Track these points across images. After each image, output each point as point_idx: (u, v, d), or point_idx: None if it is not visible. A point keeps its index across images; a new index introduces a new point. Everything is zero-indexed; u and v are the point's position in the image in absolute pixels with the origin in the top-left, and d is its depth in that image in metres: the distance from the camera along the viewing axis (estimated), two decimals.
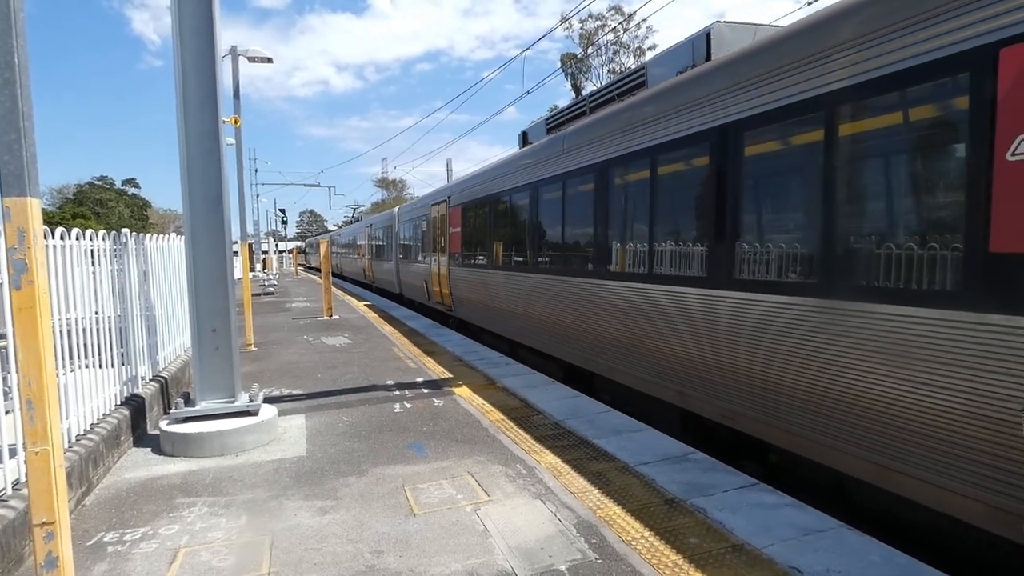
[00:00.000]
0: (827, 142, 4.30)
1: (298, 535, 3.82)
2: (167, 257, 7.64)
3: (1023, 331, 3.08)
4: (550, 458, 5.07)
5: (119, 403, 5.60)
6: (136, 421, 5.71)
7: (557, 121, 10.12)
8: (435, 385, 7.86)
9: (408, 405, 6.90)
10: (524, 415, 6.38)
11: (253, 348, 10.97)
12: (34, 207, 2.65)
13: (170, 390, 7.06)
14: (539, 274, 9.30)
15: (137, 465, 5.15)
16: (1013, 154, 3.12)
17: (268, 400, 6.45)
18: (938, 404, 3.52)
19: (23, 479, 3.75)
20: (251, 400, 5.78)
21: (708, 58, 6.46)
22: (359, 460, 5.17)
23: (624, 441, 5.42)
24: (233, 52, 11.49)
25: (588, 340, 7.84)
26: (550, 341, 9.07)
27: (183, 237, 6.13)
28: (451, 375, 8.43)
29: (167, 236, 7.75)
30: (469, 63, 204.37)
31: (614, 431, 5.72)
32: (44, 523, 2.66)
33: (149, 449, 5.52)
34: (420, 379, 8.24)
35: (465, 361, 9.43)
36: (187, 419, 5.56)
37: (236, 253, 9.82)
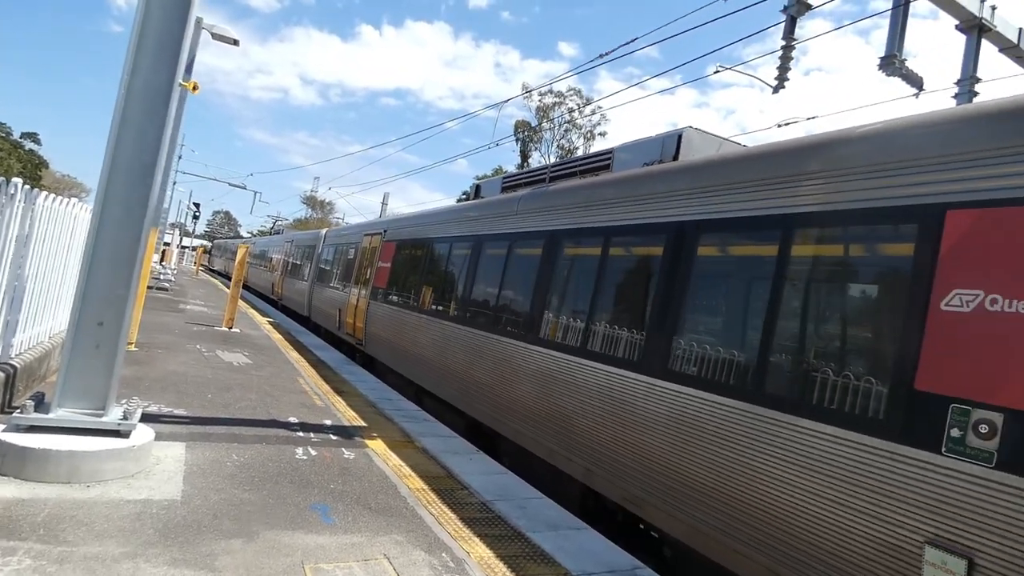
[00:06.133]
0: (779, 260, 4.50)
1: None
2: (58, 222, 6.40)
3: (934, 467, 3.24)
4: (481, 550, 4.32)
5: None
6: None
7: (514, 182, 10.12)
8: (345, 432, 6.90)
9: (313, 452, 5.92)
10: (448, 487, 5.59)
11: (134, 348, 9.46)
12: None
13: (17, 383, 5.71)
14: (465, 326, 8.95)
15: None
16: (947, 305, 3.40)
17: (144, 418, 5.29)
18: (846, 523, 3.60)
19: None
20: (125, 417, 4.65)
21: (676, 157, 6.66)
22: (249, 517, 4.19)
23: (562, 540, 4.76)
24: (198, 23, 10.46)
25: (502, 401, 7.54)
26: (461, 395, 8.67)
27: (88, 206, 5.06)
28: (364, 423, 7.49)
29: (65, 200, 6.53)
30: (434, 109, 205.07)
31: (550, 525, 5.06)
32: None
33: None
34: (328, 422, 7.24)
35: (379, 409, 8.49)
36: (32, 428, 4.37)
37: None
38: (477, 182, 11.70)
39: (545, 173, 9.21)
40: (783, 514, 3.97)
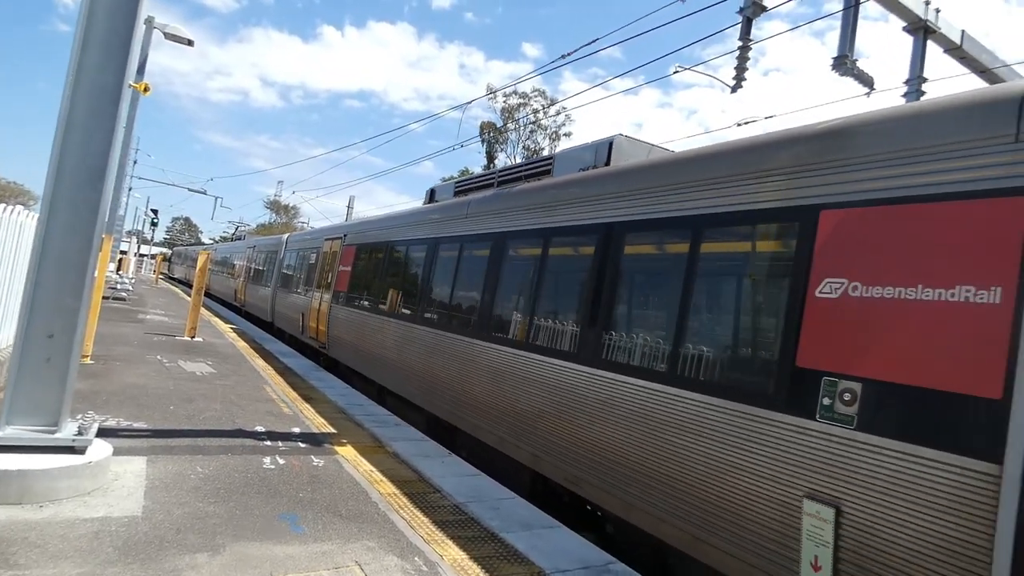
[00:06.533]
0: (689, 256, 4.99)
1: None
2: (3, 232, 6.12)
3: (809, 431, 3.72)
4: (454, 552, 4.28)
5: None
6: None
7: (465, 186, 10.40)
8: (314, 440, 6.77)
9: (281, 461, 5.79)
10: (420, 491, 5.53)
11: (89, 360, 9.12)
12: None
13: None
14: (422, 326, 9.23)
15: None
16: (820, 292, 3.88)
17: (101, 432, 5.09)
18: (743, 485, 4.05)
19: None
20: (80, 433, 4.47)
21: (608, 163, 7.09)
22: (214, 530, 4.07)
23: (535, 539, 4.75)
24: (149, 23, 10.09)
25: (458, 396, 7.81)
26: (421, 393, 8.93)
27: (36, 213, 4.85)
28: (333, 430, 7.36)
29: (10, 208, 6.26)
30: (399, 110, 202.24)
31: (523, 525, 5.04)
32: None
33: None
34: (296, 430, 7.09)
35: (349, 415, 8.36)
36: None
37: None
38: (432, 187, 11.90)
39: (493, 177, 9.55)
40: (696, 483, 4.42)
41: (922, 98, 7.86)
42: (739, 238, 4.84)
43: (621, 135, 7.25)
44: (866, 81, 8.27)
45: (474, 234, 8.52)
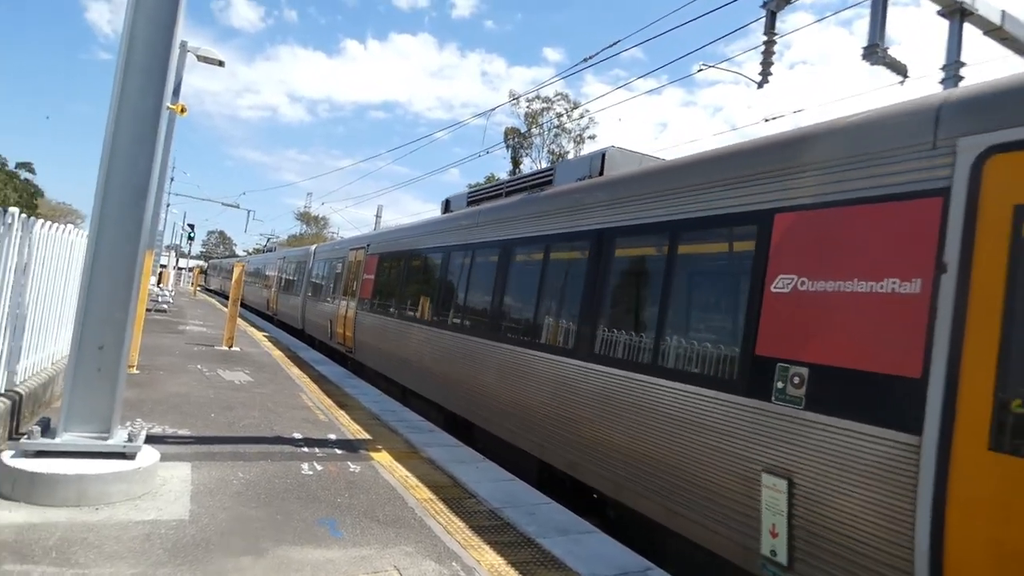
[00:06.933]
0: (668, 258, 5.47)
1: None
2: (55, 249, 6.42)
3: (766, 411, 4.15)
4: (491, 557, 4.33)
5: None
6: None
7: (477, 196, 10.90)
8: (350, 446, 6.91)
9: (319, 467, 5.93)
10: (455, 496, 5.60)
11: (135, 371, 9.46)
12: None
13: (23, 410, 5.71)
14: (439, 328, 9.79)
15: None
16: (775, 287, 4.29)
17: (148, 439, 5.29)
18: (714, 464, 4.50)
19: None
20: (130, 439, 4.66)
21: (601, 173, 7.52)
22: (257, 534, 4.20)
23: (572, 545, 4.77)
24: (183, 47, 10.48)
25: (473, 394, 8.27)
26: (439, 392, 9.47)
27: (84, 231, 5.09)
28: (368, 436, 7.50)
29: (61, 227, 6.56)
30: (424, 120, 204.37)
31: (559, 530, 5.06)
32: None
33: None
34: (332, 436, 7.25)
35: (383, 421, 8.50)
36: (39, 453, 4.38)
37: None
38: (447, 197, 12.37)
39: (502, 188, 10.10)
40: (673, 462, 4.88)
41: (959, 84, 7.58)
42: (710, 240, 5.33)
43: (613, 147, 7.65)
44: (899, 69, 8.01)
45: (483, 242, 9.11)
